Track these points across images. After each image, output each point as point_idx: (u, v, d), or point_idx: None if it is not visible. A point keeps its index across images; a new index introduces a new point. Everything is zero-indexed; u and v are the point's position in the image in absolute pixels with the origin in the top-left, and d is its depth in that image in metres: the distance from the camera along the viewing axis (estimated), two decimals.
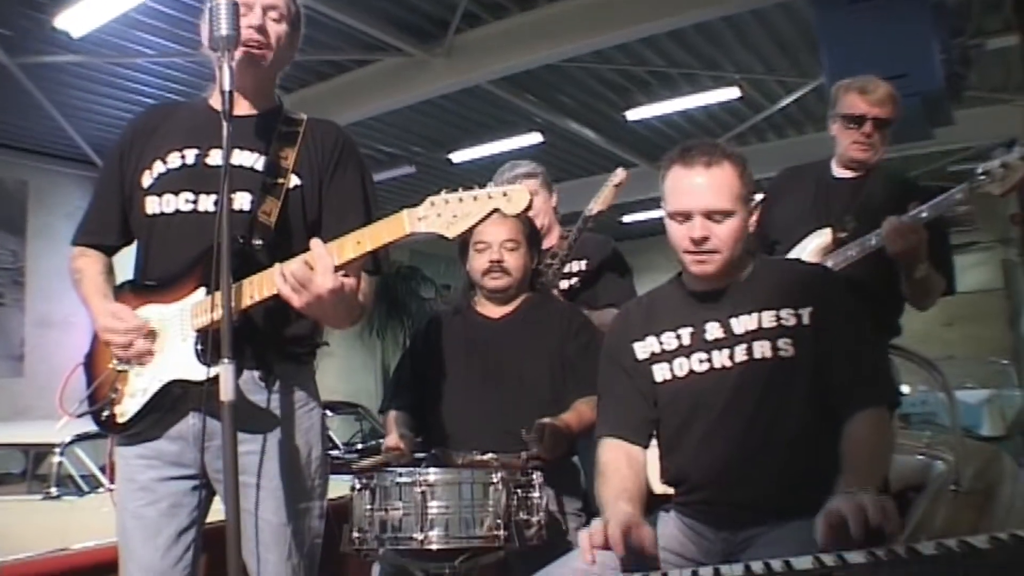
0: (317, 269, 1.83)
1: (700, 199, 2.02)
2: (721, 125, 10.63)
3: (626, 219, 13.82)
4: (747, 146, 11.44)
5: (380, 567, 2.54)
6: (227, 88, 1.87)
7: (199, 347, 1.99)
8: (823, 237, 2.97)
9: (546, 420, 2.53)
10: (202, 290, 2.02)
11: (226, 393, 1.74)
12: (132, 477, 2.11)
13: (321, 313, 1.95)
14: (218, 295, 1.80)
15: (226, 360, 1.75)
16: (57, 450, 5.58)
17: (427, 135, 10.43)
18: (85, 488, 5.53)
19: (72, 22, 6.57)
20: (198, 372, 1.95)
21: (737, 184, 2.05)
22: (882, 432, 1.97)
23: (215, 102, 2.17)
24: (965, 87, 6.49)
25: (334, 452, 8.15)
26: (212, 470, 2.07)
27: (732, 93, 9.42)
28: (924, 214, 2.71)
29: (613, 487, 1.97)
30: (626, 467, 2.04)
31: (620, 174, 3.43)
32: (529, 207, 1.79)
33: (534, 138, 10.41)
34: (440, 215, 1.78)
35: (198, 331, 2.00)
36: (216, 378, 1.80)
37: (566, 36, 7.51)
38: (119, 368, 2.11)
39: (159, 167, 2.15)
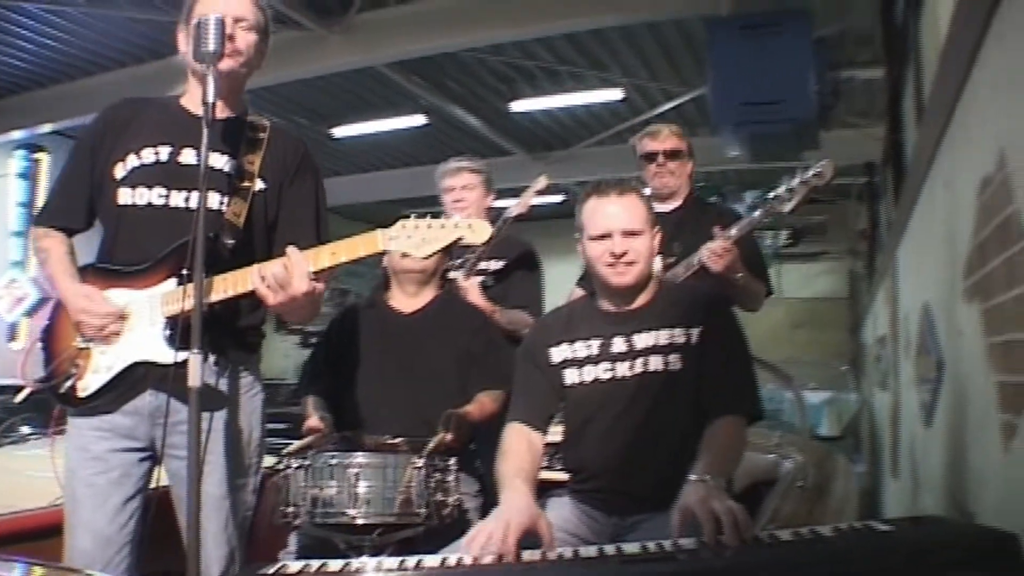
0: (294, 274, 2.08)
1: (617, 221, 2.41)
2: (601, 123, 11.10)
3: (495, 204, 14.16)
4: (622, 144, 11.95)
5: (298, 537, 2.79)
6: (210, 100, 2.05)
7: (168, 332, 2.20)
8: (656, 263, 3.42)
9: (455, 410, 2.83)
10: (173, 280, 2.23)
11: (194, 379, 1.93)
12: (85, 447, 2.29)
13: (290, 311, 2.20)
14: (190, 287, 2.02)
15: (196, 350, 1.94)
16: None
17: (311, 107, 10.46)
18: None
19: None
20: (166, 355, 2.17)
21: (644, 210, 2.47)
22: (736, 435, 2.34)
23: (187, 103, 2.39)
24: (833, 116, 7.08)
25: None
26: (166, 445, 2.24)
27: (615, 95, 9.90)
28: (732, 232, 3.25)
29: (512, 465, 2.31)
30: (526, 450, 2.39)
31: (542, 180, 3.80)
32: (490, 240, 2.10)
33: (418, 119, 10.63)
34: (410, 237, 2.07)
35: (168, 318, 2.21)
36: (183, 362, 1.99)
37: (465, 27, 7.75)
38: (82, 345, 2.30)
39: (133, 160, 2.33)
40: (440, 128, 11.02)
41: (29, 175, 10.80)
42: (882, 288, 7.25)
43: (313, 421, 2.94)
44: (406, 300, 3.27)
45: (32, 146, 10.74)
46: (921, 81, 4.95)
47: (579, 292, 3.42)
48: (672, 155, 3.57)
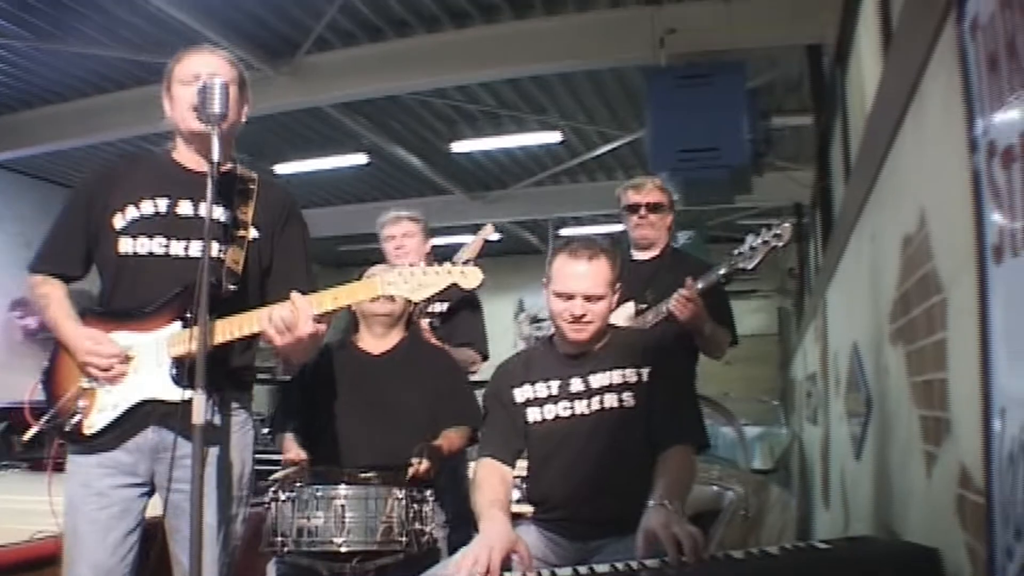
0: (301, 317, 2.28)
1: (581, 285, 2.64)
2: (539, 164, 11.45)
3: (436, 241, 14.44)
4: (559, 185, 12.32)
5: (277, 566, 2.96)
6: (216, 159, 2.27)
7: (175, 372, 2.38)
8: (629, 308, 3.67)
9: (429, 443, 3.05)
10: (178, 324, 2.42)
11: (198, 417, 2.13)
12: (88, 483, 2.43)
13: (293, 351, 2.40)
14: (196, 330, 2.20)
15: (200, 389, 2.14)
16: None
17: (253, 143, 10.56)
18: None
19: None
20: (174, 394, 2.35)
21: (610, 274, 2.69)
22: (687, 463, 2.59)
23: (180, 158, 2.59)
24: (765, 162, 7.47)
25: None
26: (160, 477, 2.44)
27: (554, 137, 10.22)
28: (699, 285, 3.48)
29: (487, 496, 2.52)
30: (499, 482, 2.61)
31: (489, 229, 4.07)
32: (481, 285, 2.33)
33: (360, 159, 10.86)
34: (406, 282, 2.31)
35: (175, 358, 2.39)
36: (191, 400, 2.18)
37: (409, 71, 8.01)
38: (87, 385, 2.45)
39: (132, 212, 2.50)
40: (380, 167, 11.28)
41: None
42: (812, 327, 7.63)
43: (293, 454, 3.13)
44: (375, 342, 3.48)
45: None
46: (848, 131, 5.34)
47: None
48: (654, 208, 3.80)
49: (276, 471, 3.00)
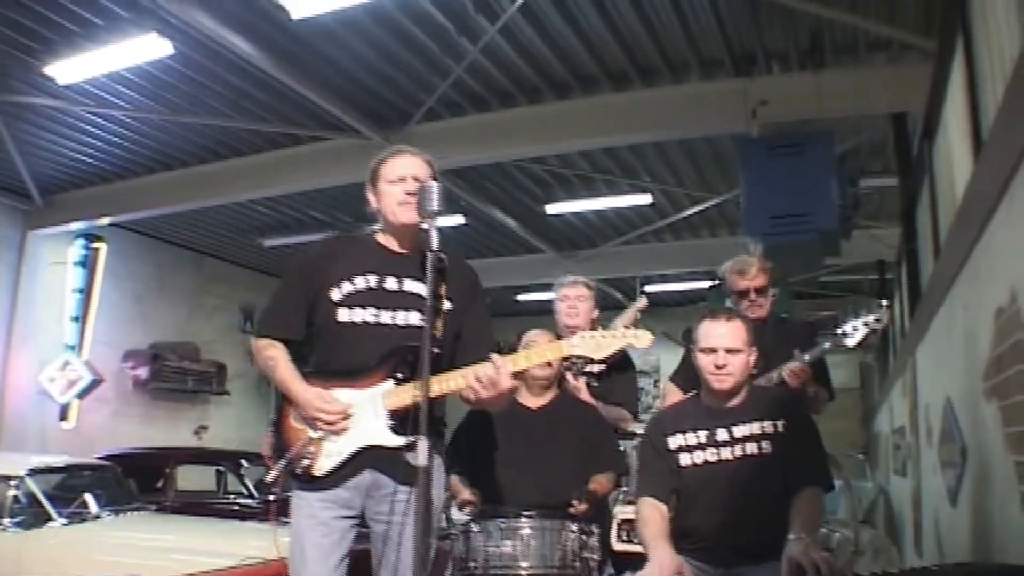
0: (502, 374, 2.74)
1: (722, 340, 3.17)
2: (629, 224, 12.00)
3: (520, 298, 15.09)
4: (646, 244, 12.81)
5: None
6: (435, 248, 2.72)
7: (391, 423, 2.86)
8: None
9: (587, 487, 3.58)
10: (391, 381, 2.88)
11: (422, 460, 2.53)
12: (314, 515, 2.88)
13: (492, 403, 2.85)
14: (415, 385, 2.67)
15: (423, 436, 2.54)
16: (13, 483, 5.92)
17: (355, 206, 11.25)
18: (34, 521, 5.79)
19: (62, 70, 7.30)
20: (391, 440, 2.84)
21: (745, 333, 3.22)
22: (817, 502, 3.09)
23: (384, 241, 3.10)
24: (853, 225, 7.89)
25: (249, 500, 8.71)
26: (374, 512, 2.89)
27: (644, 199, 10.74)
28: (807, 358, 3.91)
29: (652, 530, 3.04)
30: (660, 518, 3.12)
31: (643, 302, 4.54)
32: (650, 344, 2.81)
33: (457, 219, 11.41)
34: (588, 344, 2.80)
35: (390, 410, 2.87)
36: (406, 445, 2.72)
37: (511, 140, 8.62)
38: (314, 435, 2.89)
39: (348, 286, 2.96)
40: (477, 227, 11.91)
41: (87, 263, 11.53)
42: (899, 382, 7.97)
43: (466, 495, 3.66)
44: (533, 399, 4.05)
45: (91, 236, 11.51)
46: (936, 198, 5.76)
47: (671, 386, 4.16)
48: (761, 291, 4.20)
49: None
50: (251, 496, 8.75)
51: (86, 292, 11.46)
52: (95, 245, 11.56)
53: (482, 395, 2.78)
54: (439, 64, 7.62)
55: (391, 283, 3.00)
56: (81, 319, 11.39)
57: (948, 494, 4.27)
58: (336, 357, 2.96)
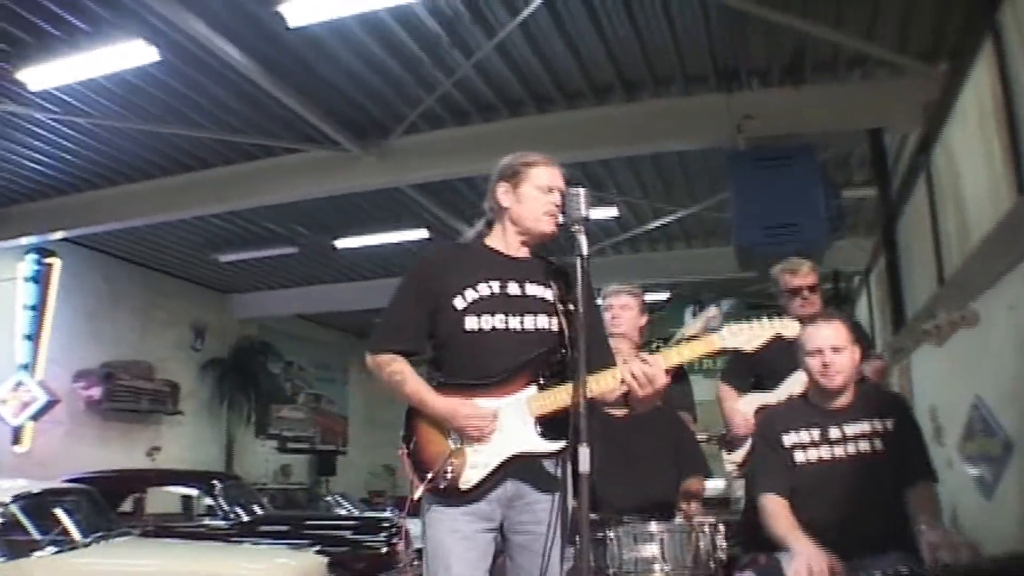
0: (659, 370, 2.75)
1: (827, 340, 3.33)
2: (592, 238, 12.08)
3: None
4: (604, 257, 13.02)
5: None
6: (584, 253, 2.74)
7: (540, 429, 2.80)
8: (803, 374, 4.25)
9: (691, 488, 3.81)
10: (534, 387, 2.83)
11: (584, 467, 2.50)
12: (457, 528, 2.80)
13: (649, 400, 2.83)
14: (558, 389, 2.76)
15: (584, 443, 2.52)
16: None
17: (315, 218, 11.32)
18: (20, 550, 5.61)
19: (35, 76, 7.12)
20: (542, 447, 2.80)
21: (846, 332, 3.39)
22: (934, 494, 3.29)
23: (497, 245, 3.05)
24: (838, 236, 8.21)
25: (221, 523, 8.61)
26: (514, 523, 2.85)
27: (611, 212, 10.91)
28: (886, 355, 4.09)
29: (785, 524, 3.21)
30: (785, 512, 3.27)
31: (714, 310, 4.65)
32: (797, 334, 2.92)
33: (420, 233, 11.48)
34: (737, 336, 2.83)
35: (538, 416, 2.80)
36: (558, 451, 2.75)
37: (492, 154, 8.49)
38: (456, 447, 2.83)
39: (471, 294, 2.90)
40: (440, 241, 11.81)
41: (40, 279, 11.31)
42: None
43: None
44: (616, 408, 4.12)
45: (43, 251, 11.30)
46: (935, 207, 6.07)
47: (726, 387, 4.31)
48: (813, 289, 4.37)
49: None
50: (226, 517, 8.66)
51: (39, 309, 11.26)
52: (48, 260, 11.37)
53: (640, 392, 2.77)
54: (427, 77, 7.70)
55: (513, 288, 2.96)
56: (34, 337, 11.18)
57: (981, 488, 4.51)
58: (468, 366, 2.91)
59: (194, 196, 9.89)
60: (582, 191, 2.79)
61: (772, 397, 4.28)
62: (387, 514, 11.43)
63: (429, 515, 2.87)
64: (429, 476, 2.82)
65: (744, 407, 4.42)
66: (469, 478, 2.81)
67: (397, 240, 11.68)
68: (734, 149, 7.81)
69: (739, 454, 4.43)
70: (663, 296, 14.06)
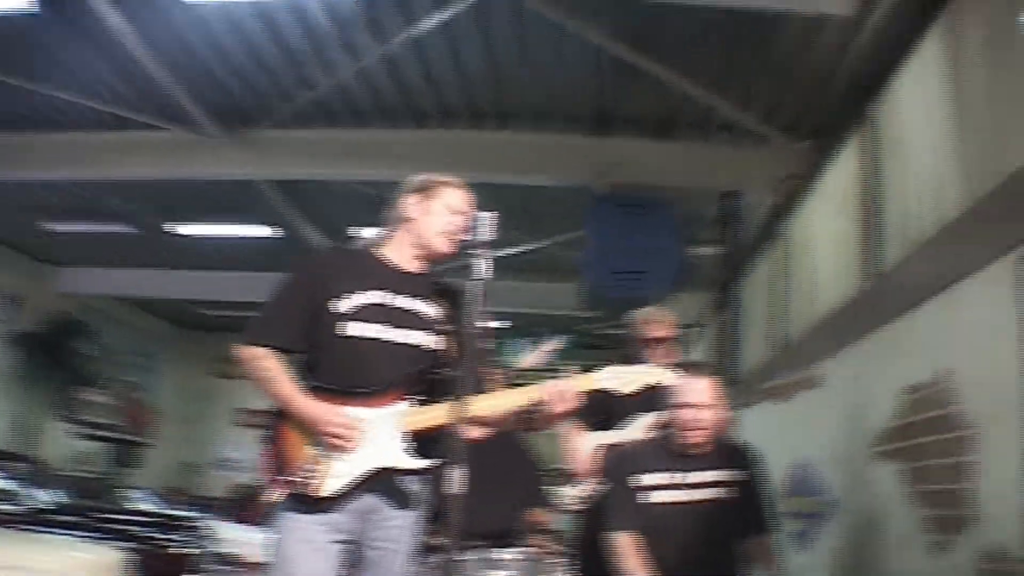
0: (570, 391, 2.82)
1: (701, 396, 3.53)
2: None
3: None
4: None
5: None
6: (485, 276, 2.66)
7: (406, 444, 2.81)
8: (649, 417, 4.34)
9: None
10: (406, 402, 2.85)
11: (456, 487, 2.47)
12: (310, 539, 2.77)
13: (560, 418, 2.90)
14: (437, 407, 2.76)
15: (455, 463, 2.49)
16: None
17: (160, 199, 10.94)
18: None
19: None
20: (408, 463, 2.81)
21: (716, 391, 3.60)
22: (770, 545, 3.59)
23: (392, 256, 3.04)
24: (682, 288, 8.62)
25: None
26: (368, 538, 2.83)
27: None
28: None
29: (632, 563, 3.39)
30: (634, 550, 3.44)
31: (557, 342, 4.81)
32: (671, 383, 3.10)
33: (267, 230, 11.36)
34: (617, 378, 2.92)
35: (406, 432, 2.82)
36: (423, 469, 2.79)
37: (358, 161, 8.69)
38: (322, 453, 2.78)
39: (356, 300, 2.89)
40: (284, 241, 11.65)
41: None
42: None
43: None
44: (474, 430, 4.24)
45: None
46: (789, 270, 6.49)
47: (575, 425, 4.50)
48: (671, 340, 4.54)
49: None
50: (19, 503, 8.15)
51: None
52: None
53: (558, 408, 2.84)
54: (307, 74, 7.66)
55: (400, 301, 2.97)
56: None
57: (798, 541, 4.87)
58: (343, 373, 2.88)
59: (33, 158, 9.30)
60: (490, 216, 2.77)
61: (615, 437, 4.47)
62: (190, 513, 11.08)
63: (281, 522, 2.82)
64: (290, 480, 2.79)
65: (586, 445, 4.58)
66: (329, 487, 2.78)
67: (242, 234, 11.49)
68: (596, 191, 8.10)
69: (579, 489, 4.57)
70: (506, 324, 14.23)
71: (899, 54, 4.48)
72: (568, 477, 4.60)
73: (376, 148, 8.60)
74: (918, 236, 4.07)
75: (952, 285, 3.42)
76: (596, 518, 4.33)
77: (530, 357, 4.78)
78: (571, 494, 4.54)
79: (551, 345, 4.95)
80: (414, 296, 2.97)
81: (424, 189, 3.09)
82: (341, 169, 8.90)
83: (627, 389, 2.94)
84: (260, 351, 2.88)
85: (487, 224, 2.74)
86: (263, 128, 8.57)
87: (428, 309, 2.99)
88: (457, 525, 2.52)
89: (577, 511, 4.52)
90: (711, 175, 8.11)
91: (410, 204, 3.07)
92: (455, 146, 8.48)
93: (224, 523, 9.25)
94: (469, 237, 2.77)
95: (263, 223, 11.23)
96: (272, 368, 2.85)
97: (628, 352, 4.69)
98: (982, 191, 3.39)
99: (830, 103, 6.77)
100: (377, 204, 9.74)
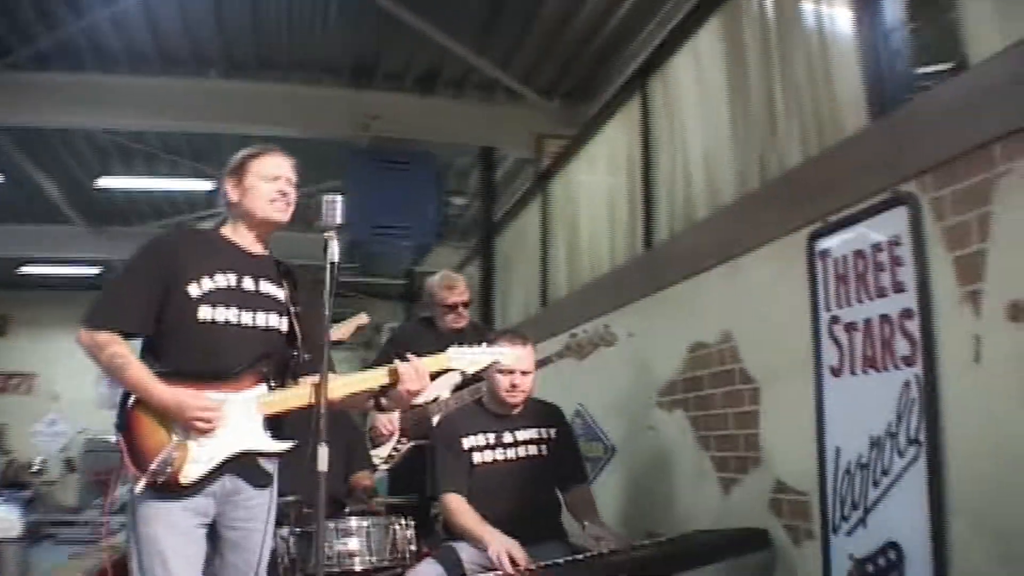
0: (423, 371, 2.93)
1: (521, 363, 3.76)
2: (174, 209, 12.06)
3: (26, 270, 14.19)
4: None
5: None
6: (335, 260, 2.76)
7: (266, 427, 2.87)
8: (455, 377, 4.60)
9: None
10: (263, 386, 2.88)
11: (323, 465, 2.65)
12: (175, 524, 2.75)
13: (411, 396, 3.00)
14: (294, 390, 2.88)
15: (323, 442, 2.65)
16: None
17: None
18: None
19: None
20: (269, 445, 2.87)
21: (534, 358, 3.90)
22: (590, 495, 3.94)
23: (236, 238, 3.01)
24: (441, 241, 8.93)
25: None
26: (228, 519, 2.86)
27: (205, 186, 10.64)
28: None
29: (473, 518, 3.57)
30: (468, 508, 3.65)
31: (364, 318, 4.93)
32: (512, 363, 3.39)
33: None
34: (461, 359, 3.05)
35: (266, 416, 2.86)
36: (283, 451, 2.88)
37: (103, 109, 8.27)
38: (180, 439, 2.75)
39: (207, 283, 2.85)
40: (13, 190, 10.95)
41: None
42: None
43: None
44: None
45: None
46: (547, 230, 6.92)
47: None
48: (467, 305, 4.87)
49: None
50: None
51: None
52: None
53: (416, 385, 2.95)
54: (52, 14, 7.20)
55: (248, 283, 2.97)
56: None
57: None
58: (197, 357, 2.85)
59: None
60: (339, 199, 2.83)
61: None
62: None
63: (143, 509, 2.77)
64: (150, 469, 2.73)
65: None
66: (190, 473, 2.75)
67: None
68: (355, 145, 8.24)
69: (383, 450, 4.75)
70: None
71: (678, 32, 4.86)
72: (372, 440, 4.76)
73: (116, 94, 8.18)
74: (691, 214, 4.62)
75: (736, 258, 3.89)
76: (403, 478, 4.66)
77: (339, 330, 4.84)
78: (378, 455, 4.73)
79: (359, 320, 5.02)
80: (262, 278, 2.99)
81: (235, 170, 3.05)
82: (76, 117, 8.42)
83: (471, 369, 3.14)
84: (106, 336, 2.79)
85: (336, 206, 2.82)
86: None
87: (278, 291, 3.02)
88: (321, 500, 2.65)
89: (386, 471, 4.74)
90: (470, 131, 8.43)
91: (229, 189, 3.04)
92: (210, 95, 8.31)
93: None
94: (321, 220, 2.81)
95: None
96: (122, 355, 2.78)
97: (425, 316, 5.01)
98: (767, 177, 3.86)
99: (589, 67, 7.25)
100: (122, 153, 9.61)
